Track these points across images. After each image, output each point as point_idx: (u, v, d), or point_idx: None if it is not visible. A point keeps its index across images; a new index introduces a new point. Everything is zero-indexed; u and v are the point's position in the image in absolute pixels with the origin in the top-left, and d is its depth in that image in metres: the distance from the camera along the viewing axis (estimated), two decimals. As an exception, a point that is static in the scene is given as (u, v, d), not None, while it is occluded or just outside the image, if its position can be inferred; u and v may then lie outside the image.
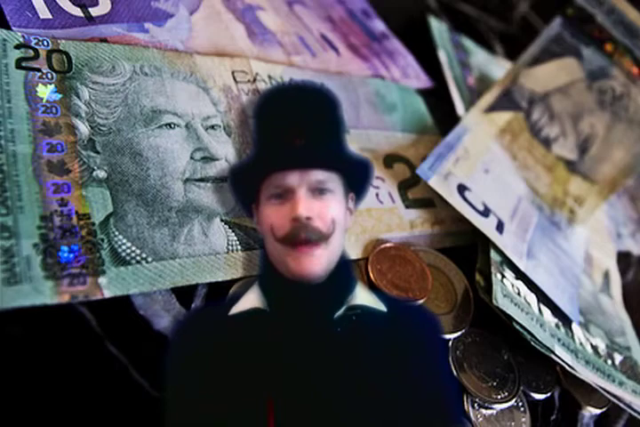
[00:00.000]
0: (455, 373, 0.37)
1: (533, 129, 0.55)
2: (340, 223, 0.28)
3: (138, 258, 0.32)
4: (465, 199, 0.44)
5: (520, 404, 0.39)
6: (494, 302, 0.39)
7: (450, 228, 0.46)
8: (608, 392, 0.41)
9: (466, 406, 0.36)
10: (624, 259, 0.59)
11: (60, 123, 0.34)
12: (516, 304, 0.40)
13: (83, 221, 0.31)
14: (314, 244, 0.27)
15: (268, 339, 0.27)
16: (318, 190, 0.28)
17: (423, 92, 0.56)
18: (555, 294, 0.44)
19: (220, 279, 0.34)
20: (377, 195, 0.44)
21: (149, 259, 0.32)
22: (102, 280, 0.30)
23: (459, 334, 0.39)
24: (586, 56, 0.55)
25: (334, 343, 0.27)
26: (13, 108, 0.33)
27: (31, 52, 0.35)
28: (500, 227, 0.44)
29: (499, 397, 0.37)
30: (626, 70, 0.54)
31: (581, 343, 0.43)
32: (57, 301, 0.29)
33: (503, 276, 0.42)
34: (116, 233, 0.32)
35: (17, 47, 0.35)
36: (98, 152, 0.34)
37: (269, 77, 0.44)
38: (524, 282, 0.43)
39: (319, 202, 0.28)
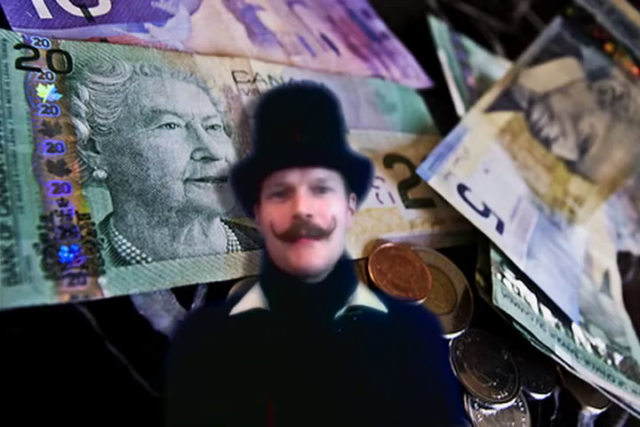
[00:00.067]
0: (455, 373, 0.37)
1: (533, 129, 0.55)
2: (341, 221, 0.29)
3: (138, 258, 0.32)
4: (465, 199, 0.44)
5: (520, 404, 0.39)
6: (494, 302, 0.39)
7: (450, 228, 0.46)
8: (608, 392, 0.41)
9: (466, 406, 0.36)
10: (624, 259, 0.59)
11: (60, 123, 0.34)
12: (516, 304, 0.40)
13: (83, 221, 0.31)
14: (314, 238, 0.27)
15: (269, 339, 0.27)
16: (319, 189, 0.28)
17: (423, 92, 0.56)
18: (555, 294, 0.44)
19: (219, 279, 0.34)
20: (377, 195, 0.44)
21: (149, 259, 0.32)
22: (102, 280, 0.30)
23: (459, 334, 0.39)
24: (586, 56, 0.55)
25: (335, 344, 0.27)
26: (13, 108, 0.33)
27: (31, 52, 0.35)
28: (500, 227, 0.44)
29: (499, 397, 0.37)
30: (626, 70, 0.54)
31: (581, 343, 0.43)
32: (57, 301, 0.29)
33: (503, 276, 0.42)
34: (116, 233, 0.32)
35: (17, 47, 0.35)
36: (98, 152, 0.34)
37: (269, 77, 0.44)
38: (524, 282, 0.43)
39: (320, 200, 0.28)
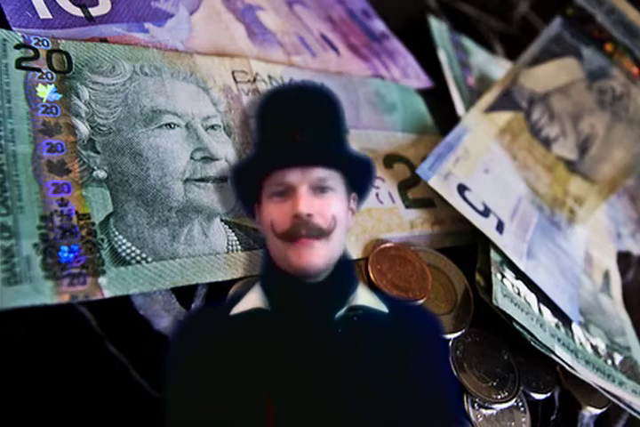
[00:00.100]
0: (455, 373, 0.37)
1: (533, 129, 0.55)
2: (342, 221, 0.29)
3: (138, 258, 0.32)
4: (465, 199, 0.44)
5: (520, 404, 0.39)
6: (494, 302, 0.39)
7: (450, 228, 0.46)
8: (608, 392, 0.41)
9: (466, 406, 0.36)
10: (624, 259, 0.59)
11: (60, 123, 0.34)
12: (516, 304, 0.40)
13: (83, 221, 0.31)
14: (314, 237, 0.27)
15: (270, 339, 0.27)
16: (319, 188, 0.28)
17: (423, 92, 0.56)
18: (555, 294, 0.44)
19: (219, 279, 0.34)
20: (377, 195, 0.44)
21: (149, 259, 0.32)
22: (102, 280, 0.30)
23: (459, 334, 0.39)
24: (586, 56, 0.55)
25: (335, 344, 0.27)
26: (13, 108, 0.33)
27: (31, 52, 0.35)
28: (500, 227, 0.44)
29: (499, 397, 0.37)
30: (626, 70, 0.54)
31: (581, 343, 0.43)
32: (57, 301, 0.29)
33: (503, 276, 0.42)
34: (116, 233, 0.32)
35: (17, 47, 0.35)
36: (98, 152, 0.34)
37: (269, 77, 0.44)
38: (524, 282, 0.43)
39: (320, 200, 0.28)
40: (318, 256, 0.27)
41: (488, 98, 0.53)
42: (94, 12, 0.40)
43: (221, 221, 0.36)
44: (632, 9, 0.52)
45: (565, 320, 0.44)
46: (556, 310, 0.44)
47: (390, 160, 0.47)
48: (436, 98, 0.56)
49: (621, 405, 0.41)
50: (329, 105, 0.30)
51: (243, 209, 0.34)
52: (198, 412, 0.26)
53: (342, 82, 0.49)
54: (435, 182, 0.44)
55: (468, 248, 0.45)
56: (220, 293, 0.34)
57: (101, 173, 0.34)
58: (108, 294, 0.30)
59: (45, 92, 0.34)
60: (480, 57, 0.65)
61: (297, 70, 0.47)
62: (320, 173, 0.28)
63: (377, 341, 0.28)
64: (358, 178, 0.30)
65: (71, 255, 0.30)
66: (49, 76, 0.35)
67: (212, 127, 0.39)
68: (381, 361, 0.27)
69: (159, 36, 0.41)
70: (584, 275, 0.51)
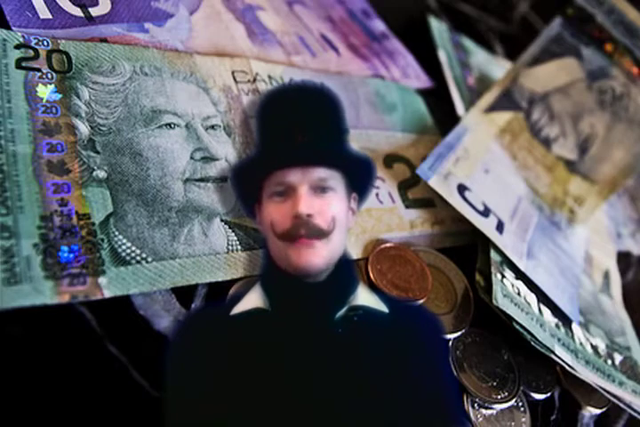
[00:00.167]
0: (455, 373, 0.37)
1: (533, 129, 0.55)
2: (342, 221, 0.29)
3: (138, 258, 0.32)
4: (465, 199, 0.44)
5: (520, 404, 0.39)
6: (494, 302, 0.39)
7: (450, 228, 0.46)
8: (608, 392, 0.41)
9: (466, 406, 0.36)
10: (624, 259, 0.59)
11: (60, 123, 0.34)
12: (516, 304, 0.40)
13: (83, 221, 0.31)
14: (314, 238, 0.27)
15: (270, 339, 0.27)
16: (320, 188, 0.28)
17: (423, 92, 0.56)
18: (555, 294, 0.44)
19: (219, 279, 0.34)
20: (377, 195, 0.44)
21: (149, 259, 0.32)
22: (102, 280, 0.30)
23: (459, 334, 0.39)
24: (586, 56, 0.55)
25: (335, 344, 0.27)
26: (13, 108, 0.33)
27: (31, 52, 0.35)
28: (500, 227, 0.44)
29: (499, 397, 0.37)
30: (626, 70, 0.54)
31: (581, 343, 0.43)
32: (57, 301, 0.29)
33: (503, 276, 0.42)
34: (116, 233, 0.32)
35: (17, 47, 0.35)
36: (98, 152, 0.34)
37: (269, 77, 0.44)
38: (524, 282, 0.43)
39: (320, 199, 0.28)
40: (318, 256, 0.27)
41: (488, 98, 0.53)
42: (94, 11, 0.40)
43: (221, 221, 0.36)
44: (632, 9, 0.52)
45: (565, 320, 0.44)
46: (556, 310, 0.44)
47: (390, 160, 0.47)
48: (436, 98, 0.56)
49: (621, 405, 0.41)
50: (329, 105, 0.30)
51: (243, 209, 0.34)
52: (198, 412, 0.26)
53: (342, 82, 0.49)
54: (435, 182, 0.44)
55: (467, 248, 0.45)
56: (220, 293, 0.34)
57: (101, 173, 0.34)
58: (107, 294, 0.30)
59: (45, 92, 0.34)
60: (480, 57, 0.65)
61: (297, 70, 0.47)
62: (320, 173, 0.28)
63: (377, 341, 0.28)
64: (359, 178, 0.30)
65: (71, 255, 0.30)
66: (49, 76, 0.35)
67: (212, 127, 0.39)
68: (381, 361, 0.27)
69: (159, 36, 0.41)
70: (584, 275, 0.51)
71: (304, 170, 0.28)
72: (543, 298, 0.44)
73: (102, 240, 0.31)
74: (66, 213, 0.31)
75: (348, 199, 0.30)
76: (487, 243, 0.43)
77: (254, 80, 0.43)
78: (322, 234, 0.27)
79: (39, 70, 0.35)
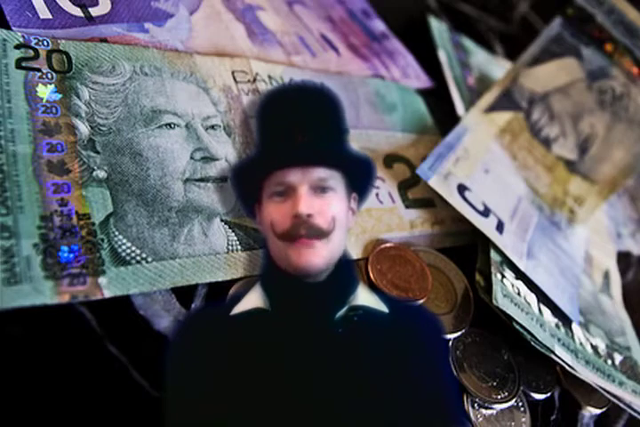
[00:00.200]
0: (455, 373, 0.37)
1: (533, 129, 0.55)
2: (342, 221, 0.29)
3: (138, 258, 0.32)
4: (465, 199, 0.44)
5: (520, 404, 0.39)
6: (494, 302, 0.39)
7: (450, 228, 0.46)
8: (608, 392, 0.41)
9: (466, 406, 0.36)
10: (624, 259, 0.59)
11: (60, 123, 0.34)
12: (516, 304, 0.40)
13: (83, 221, 0.31)
14: (314, 238, 0.27)
15: (270, 339, 0.27)
16: (320, 188, 0.28)
17: (423, 92, 0.56)
18: (555, 294, 0.44)
19: (219, 279, 0.34)
20: (377, 195, 0.44)
21: (149, 259, 0.32)
22: (102, 280, 0.30)
23: (459, 334, 0.39)
24: (586, 56, 0.55)
25: (335, 344, 0.27)
26: (13, 108, 0.33)
27: (31, 52, 0.35)
28: (500, 227, 0.44)
29: (499, 397, 0.37)
30: (626, 70, 0.54)
31: (581, 343, 0.43)
32: (57, 301, 0.29)
33: (503, 276, 0.42)
34: (116, 233, 0.32)
35: (17, 47, 0.35)
36: (98, 152, 0.34)
37: (269, 77, 0.44)
38: (524, 282, 0.43)
39: (320, 199, 0.28)
40: (319, 256, 0.27)
41: (488, 98, 0.53)
42: (94, 12, 0.40)
43: (221, 221, 0.36)
44: (632, 9, 0.52)
45: (565, 320, 0.44)
46: (556, 310, 0.44)
47: (390, 160, 0.47)
48: (436, 98, 0.56)
49: (621, 405, 0.41)
50: (329, 105, 0.30)
51: (243, 209, 0.34)
52: (198, 412, 0.26)
53: (342, 82, 0.49)
54: (435, 182, 0.44)
55: (467, 248, 0.45)
56: (220, 293, 0.34)
57: (101, 173, 0.34)
58: (107, 294, 0.30)
59: (45, 92, 0.34)
60: (480, 57, 0.65)
61: (297, 70, 0.47)
62: (321, 173, 0.28)
63: (377, 341, 0.28)
64: (359, 178, 0.30)
65: (71, 255, 0.30)
66: (49, 76, 0.35)
67: (212, 127, 0.39)
68: (381, 361, 0.27)
69: (159, 36, 0.41)
70: (584, 275, 0.51)
71: (304, 170, 0.28)
72: (543, 298, 0.44)
73: (102, 240, 0.31)
74: (66, 213, 0.31)
75: (348, 199, 0.30)
76: (487, 243, 0.43)
77: (254, 80, 0.43)
78: (322, 234, 0.27)
79: (39, 70, 0.35)
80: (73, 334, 0.30)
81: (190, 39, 0.43)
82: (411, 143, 0.50)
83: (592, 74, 0.55)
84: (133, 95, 0.37)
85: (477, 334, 0.40)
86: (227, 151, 0.39)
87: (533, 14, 0.80)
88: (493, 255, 0.42)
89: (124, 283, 0.31)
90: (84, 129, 0.34)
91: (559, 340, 0.41)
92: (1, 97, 0.33)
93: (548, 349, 0.39)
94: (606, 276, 0.54)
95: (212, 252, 0.34)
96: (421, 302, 0.39)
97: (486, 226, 0.43)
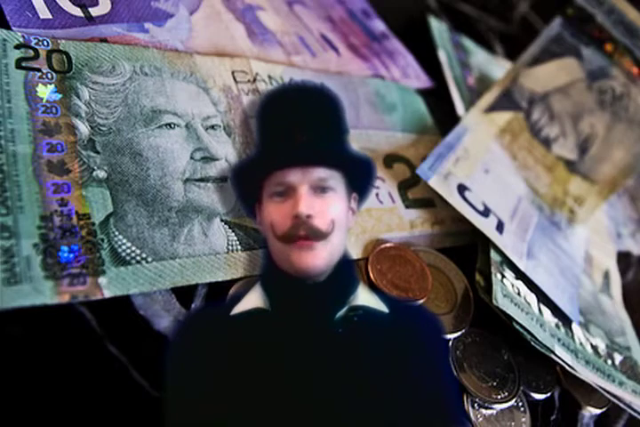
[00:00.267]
0: (455, 373, 0.37)
1: (533, 129, 0.55)
2: (341, 222, 0.29)
3: (138, 258, 0.32)
4: (465, 199, 0.44)
5: (520, 404, 0.39)
6: (494, 302, 0.39)
7: (450, 228, 0.46)
8: (608, 392, 0.41)
9: (466, 406, 0.36)
10: (624, 259, 0.59)
11: (60, 123, 0.34)
12: (516, 304, 0.40)
13: (83, 221, 0.31)
14: (313, 239, 0.27)
15: (270, 339, 0.27)
16: (320, 188, 0.28)
17: (423, 92, 0.56)
18: (555, 294, 0.44)
19: (219, 279, 0.34)
20: (377, 195, 0.44)
21: (149, 259, 0.32)
22: (102, 280, 0.30)
23: (459, 334, 0.39)
24: (586, 56, 0.55)
25: (335, 344, 0.27)
26: (13, 108, 0.33)
27: (31, 52, 0.35)
28: (500, 227, 0.44)
29: (499, 397, 0.37)
30: (626, 70, 0.54)
31: (581, 343, 0.43)
32: (57, 301, 0.29)
33: (503, 276, 0.42)
34: (116, 233, 0.32)
35: (17, 47, 0.35)
36: (98, 152, 0.34)
37: (269, 77, 0.44)
38: (524, 282, 0.43)
39: (320, 200, 0.28)
40: (319, 258, 0.27)
41: (488, 98, 0.53)
42: (94, 12, 0.40)
43: (221, 221, 0.36)
44: (632, 9, 0.52)
45: (565, 320, 0.44)
46: (556, 310, 0.44)
47: (390, 160, 0.47)
48: (436, 98, 0.56)
49: (621, 405, 0.41)
50: (329, 105, 0.30)
51: (243, 209, 0.34)
52: (198, 412, 0.26)
53: (342, 82, 0.49)
54: (435, 182, 0.44)
55: (467, 248, 0.45)
56: (220, 293, 0.34)
57: (101, 173, 0.34)
58: (107, 294, 0.30)
59: (45, 92, 0.34)
60: (480, 57, 0.65)
61: (297, 70, 0.47)
62: (321, 173, 0.28)
63: (377, 341, 0.28)
64: (359, 178, 0.30)
65: (71, 255, 0.30)
66: (49, 76, 0.35)
67: (212, 127, 0.39)
68: (381, 361, 0.27)
69: (159, 36, 0.41)
70: (584, 275, 0.51)
71: (304, 170, 0.28)
72: (543, 298, 0.44)
73: (102, 240, 0.31)
74: (66, 213, 0.31)
75: (348, 199, 0.30)
76: (487, 243, 0.43)
77: (254, 80, 0.43)
78: (321, 235, 0.27)
79: (39, 70, 0.35)
80: (73, 334, 0.30)
81: (190, 39, 0.43)
82: (411, 143, 0.50)
83: (592, 74, 0.55)
84: (133, 95, 0.37)
85: (477, 334, 0.40)
86: (227, 151, 0.39)
87: (533, 14, 0.80)
88: (493, 255, 0.42)
89: (124, 283, 0.31)
90: (84, 129, 0.34)
91: (559, 340, 0.41)
92: (1, 97, 0.33)
93: (548, 349, 0.39)
94: (606, 276, 0.54)
95: (211, 252, 0.34)
96: (421, 302, 0.39)
97: (486, 226, 0.43)
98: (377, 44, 0.58)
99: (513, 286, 0.42)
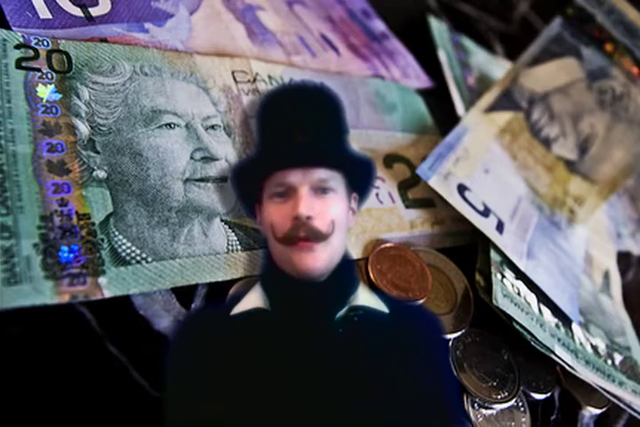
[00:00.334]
0: (455, 373, 0.37)
1: (533, 129, 0.55)
2: (341, 223, 0.29)
3: (138, 258, 0.32)
4: (465, 199, 0.44)
5: (520, 404, 0.39)
6: (494, 302, 0.39)
7: (450, 228, 0.46)
8: (608, 392, 0.41)
9: (466, 406, 0.36)
10: (624, 259, 0.59)
11: (60, 123, 0.34)
12: (516, 304, 0.40)
13: (83, 221, 0.31)
14: (313, 240, 0.27)
15: (270, 339, 0.27)
16: (321, 189, 0.28)
17: (423, 92, 0.56)
18: (555, 294, 0.44)
19: (219, 279, 0.34)
20: (377, 195, 0.44)
21: (149, 259, 0.32)
22: (102, 280, 0.30)
23: (459, 334, 0.39)
24: (586, 56, 0.55)
25: (335, 344, 0.27)
26: (13, 108, 0.33)
27: (31, 52, 0.35)
28: (500, 227, 0.44)
29: (499, 397, 0.37)
30: (626, 70, 0.54)
31: (581, 343, 0.43)
32: (57, 301, 0.29)
33: (503, 276, 0.42)
34: (116, 233, 0.32)
35: (17, 47, 0.35)
36: (98, 152, 0.34)
37: (269, 77, 0.44)
38: (524, 282, 0.43)
39: (321, 201, 0.28)
40: (319, 260, 0.27)
41: (488, 98, 0.53)
42: (94, 12, 0.40)
43: (221, 221, 0.36)
44: (632, 9, 0.52)
45: (565, 320, 0.44)
46: (556, 310, 0.44)
47: (390, 160, 0.47)
48: (436, 98, 0.56)
49: (621, 405, 0.41)
50: (330, 105, 0.30)
51: (243, 209, 0.34)
52: (198, 412, 0.26)
53: (342, 82, 0.49)
54: (435, 182, 0.44)
55: (467, 248, 0.45)
56: (220, 293, 0.34)
57: (101, 173, 0.34)
58: (107, 294, 0.30)
59: (45, 92, 0.34)
60: (480, 57, 0.65)
61: (297, 70, 0.47)
62: (322, 173, 0.28)
63: (377, 341, 0.28)
64: (359, 178, 0.30)
65: (71, 255, 0.30)
66: (49, 76, 0.35)
67: (212, 127, 0.39)
68: (381, 361, 0.27)
69: (159, 36, 0.41)
70: (584, 275, 0.51)
71: (305, 171, 0.28)
72: (543, 298, 0.44)
73: (102, 240, 0.31)
74: (66, 213, 0.31)
75: (348, 199, 0.30)
76: (487, 243, 0.43)
77: (254, 80, 0.43)
78: (321, 236, 0.27)
79: (39, 70, 0.35)
80: (73, 334, 0.30)
81: (190, 39, 0.43)
82: (411, 143, 0.50)
83: (592, 74, 0.55)
84: (133, 95, 0.37)
85: (477, 334, 0.40)
86: (227, 151, 0.39)
87: (533, 14, 0.80)
88: (493, 255, 0.42)
89: (124, 283, 0.31)
90: (84, 129, 0.34)
91: (559, 340, 0.41)
92: (1, 97, 0.33)
93: (548, 349, 0.39)
94: (606, 276, 0.54)
95: (211, 252, 0.34)
96: (421, 302, 0.39)
97: (486, 226, 0.43)
98: (377, 44, 0.58)
99: (513, 285, 0.42)
